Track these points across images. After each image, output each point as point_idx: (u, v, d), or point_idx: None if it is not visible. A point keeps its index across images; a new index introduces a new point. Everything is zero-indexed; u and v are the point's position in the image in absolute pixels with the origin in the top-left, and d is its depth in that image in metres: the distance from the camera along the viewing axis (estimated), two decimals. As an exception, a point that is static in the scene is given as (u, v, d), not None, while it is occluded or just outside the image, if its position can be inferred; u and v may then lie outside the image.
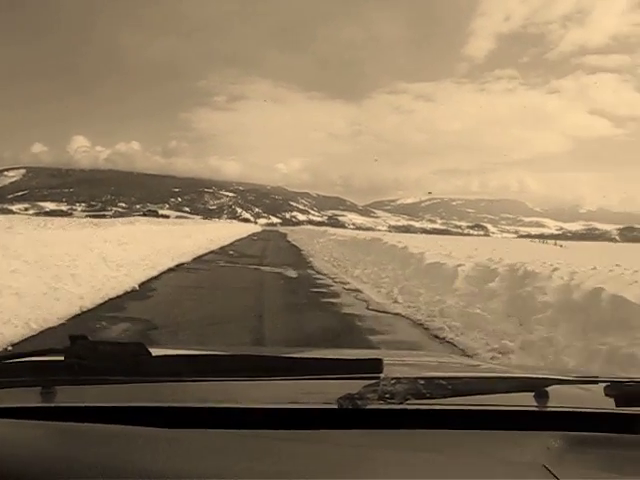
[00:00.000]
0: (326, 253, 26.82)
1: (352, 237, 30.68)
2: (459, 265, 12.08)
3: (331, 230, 54.16)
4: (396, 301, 11.61)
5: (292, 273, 18.13)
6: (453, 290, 10.90)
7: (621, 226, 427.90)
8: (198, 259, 21.59)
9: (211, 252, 26.58)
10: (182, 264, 18.40)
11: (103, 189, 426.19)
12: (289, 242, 45.98)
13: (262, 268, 19.47)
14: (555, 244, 48.81)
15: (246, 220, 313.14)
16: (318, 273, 18.39)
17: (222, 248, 31.16)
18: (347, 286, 14.69)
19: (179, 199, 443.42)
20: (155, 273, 14.87)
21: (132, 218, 48.01)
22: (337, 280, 16.11)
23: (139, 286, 12.32)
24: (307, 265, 21.68)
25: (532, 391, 1.45)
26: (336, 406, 1.26)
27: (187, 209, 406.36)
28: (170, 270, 16.38)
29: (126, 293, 11.44)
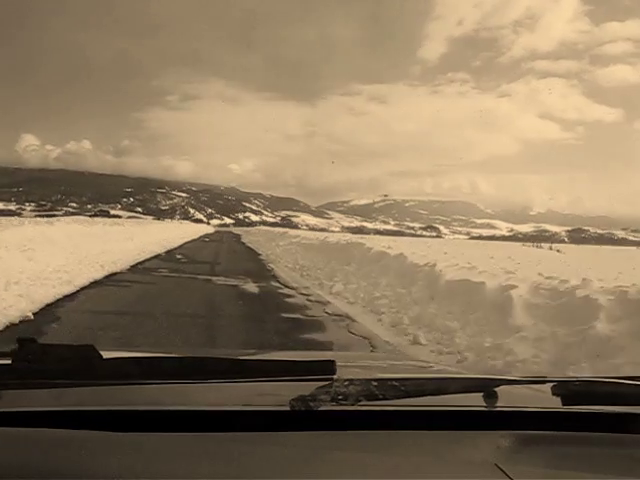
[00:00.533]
0: (290, 259, 23.03)
1: (321, 240, 26.65)
2: (508, 286, 8.24)
3: (292, 232, 47.37)
4: (417, 342, 7.66)
5: (252, 287, 14.40)
6: (515, 329, 7.06)
7: (570, 228, 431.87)
8: (137, 267, 17.76)
9: (156, 257, 22.97)
10: (113, 275, 14.58)
11: (53, 188, 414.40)
12: (244, 244, 42.03)
13: (214, 279, 15.74)
14: (551, 248, 45.20)
15: (199, 221, 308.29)
16: (285, 286, 14.71)
17: (169, 252, 27.32)
18: (328, 308, 10.94)
19: (131, 199, 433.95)
20: (70, 290, 10.97)
21: (54, 218, 43.87)
22: (312, 299, 12.32)
23: (35, 314, 8.46)
24: (270, 275, 17.86)
25: (482, 391, 1.43)
26: (289, 408, 1.24)
27: (139, 209, 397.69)
28: (94, 284, 12.50)
29: (6, 328, 7.52)
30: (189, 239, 44.16)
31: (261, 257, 26.81)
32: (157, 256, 23.40)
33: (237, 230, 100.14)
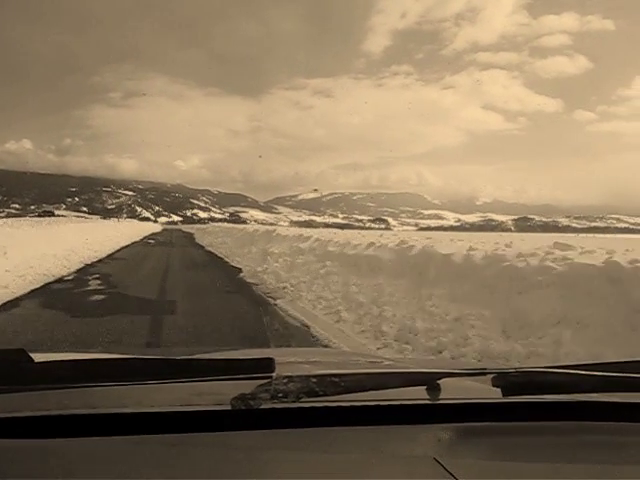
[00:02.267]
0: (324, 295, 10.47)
1: (346, 244, 13.74)
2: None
3: (283, 231, 24.49)
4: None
5: None
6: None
7: (516, 217, 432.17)
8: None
9: (59, 281, 13.41)
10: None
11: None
12: (204, 249, 30.29)
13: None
14: None
15: (146, 219, 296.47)
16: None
17: (85, 270, 16.04)
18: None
19: (76, 199, 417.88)
20: None
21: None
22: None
23: None
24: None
25: (423, 385, 1.41)
26: (229, 407, 1.22)
27: (85, 209, 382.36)
28: None
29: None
30: (127, 242, 32.32)
31: (251, 283, 13.56)
32: (60, 280, 13.16)
33: (187, 228, 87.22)
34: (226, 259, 21.42)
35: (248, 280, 14.07)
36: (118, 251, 25.37)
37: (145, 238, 43.28)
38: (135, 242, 35.30)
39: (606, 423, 1.35)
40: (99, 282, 13.50)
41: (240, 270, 16.32)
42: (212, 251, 27.10)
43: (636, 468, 1.15)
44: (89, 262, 18.42)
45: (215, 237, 37.46)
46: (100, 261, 19.62)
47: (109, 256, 22.10)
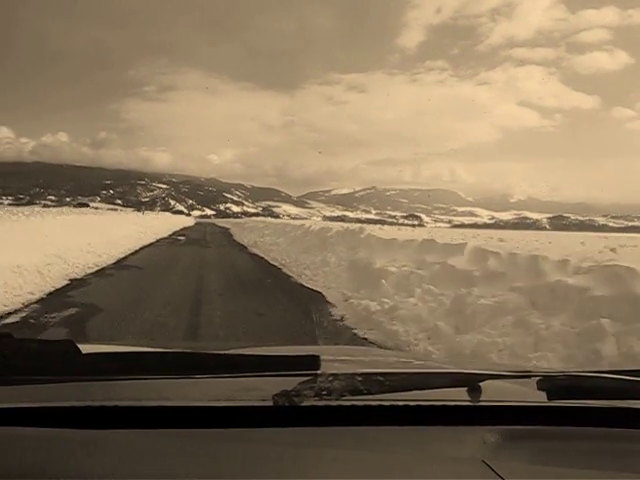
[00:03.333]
0: None
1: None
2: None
3: (375, 229, 17.62)
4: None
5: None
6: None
7: (551, 215, 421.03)
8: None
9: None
10: None
11: (30, 182, 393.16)
12: (246, 250, 23.04)
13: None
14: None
15: (180, 212, 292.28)
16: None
17: (59, 298, 8.76)
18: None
19: (111, 191, 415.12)
20: None
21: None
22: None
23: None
24: None
25: (466, 386, 1.37)
26: (272, 403, 1.20)
27: (119, 201, 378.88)
28: None
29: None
30: (150, 240, 25.39)
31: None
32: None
33: (222, 222, 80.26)
34: (289, 273, 14.01)
35: (364, 332, 6.91)
36: (135, 253, 18.35)
37: (174, 234, 35.92)
38: (161, 239, 28.47)
39: None
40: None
41: (324, 299, 9.24)
42: (260, 255, 19.71)
43: None
44: (77, 276, 11.40)
45: (259, 234, 29.75)
46: (99, 272, 12.57)
47: (118, 262, 15.07)
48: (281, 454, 1.07)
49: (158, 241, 26.75)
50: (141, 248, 20.73)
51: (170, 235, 33.92)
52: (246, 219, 71.18)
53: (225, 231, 45.97)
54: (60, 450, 1.00)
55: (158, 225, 36.69)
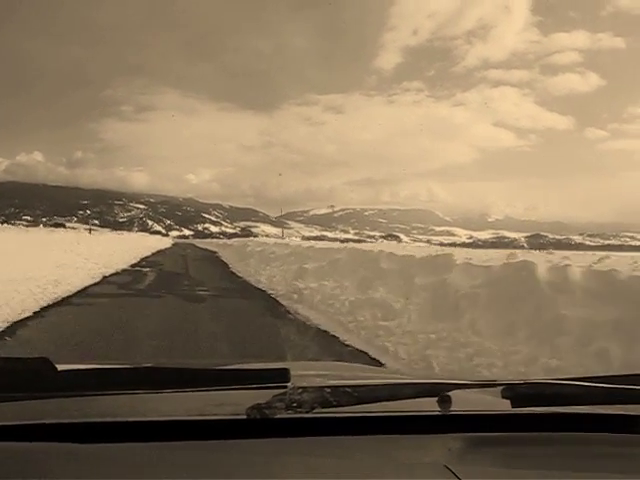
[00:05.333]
0: None
1: None
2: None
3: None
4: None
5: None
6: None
7: (528, 234, 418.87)
8: None
9: None
10: None
11: (5, 202, 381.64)
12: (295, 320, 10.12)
13: None
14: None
15: (157, 232, 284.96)
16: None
17: None
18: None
19: (87, 211, 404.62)
20: None
21: None
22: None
23: None
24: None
25: (434, 396, 1.37)
26: (245, 416, 1.21)
27: (96, 222, 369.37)
28: None
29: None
30: (110, 271, 17.40)
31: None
32: None
33: (202, 243, 72.10)
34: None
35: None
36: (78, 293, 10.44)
37: (143, 260, 26.87)
38: (121, 271, 19.58)
39: (609, 434, 1.34)
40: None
41: None
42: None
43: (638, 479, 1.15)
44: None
45: (269, 265, 18.86)
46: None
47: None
48: (254, 464, 1.09)
49: (117, 274, 18.40)
50: (79, 291, 12.76)
51: (139, 261, 25.22)
52: (232, 240, 63.16)
53: (213, 258, 34.18)
54: (37, 465, 1.01)
55: (121, 251, 26.94)
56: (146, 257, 29.75)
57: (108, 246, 27.65)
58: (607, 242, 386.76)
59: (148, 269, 21.82)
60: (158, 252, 38.00)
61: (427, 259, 10.76)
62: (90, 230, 60.73)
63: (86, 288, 13.83)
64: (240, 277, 19.12)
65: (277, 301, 12.78)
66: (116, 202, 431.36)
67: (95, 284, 14.93)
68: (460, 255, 10.59)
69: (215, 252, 39.25)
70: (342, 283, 12.27)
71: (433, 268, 9.90)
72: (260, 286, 15.67)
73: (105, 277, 16.77)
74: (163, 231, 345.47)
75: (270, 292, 14.21)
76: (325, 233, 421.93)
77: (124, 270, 20.21)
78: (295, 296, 12.63)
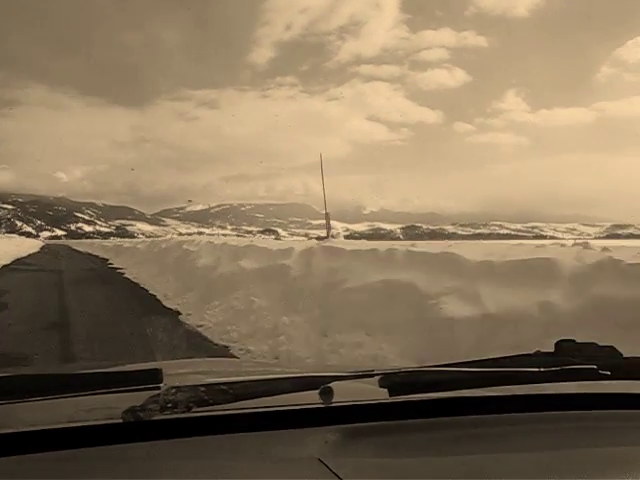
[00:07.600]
0: None
1: None
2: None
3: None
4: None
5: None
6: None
7: (403, 225, 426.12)
8: None
9: None
10: None
11: None
12: None
13: None
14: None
15: (27, 234, 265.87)
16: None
17: None
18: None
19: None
20: None
21: None
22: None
23: None
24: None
25: (312, 389, 1.35)
26: (120, 420, 1.16)
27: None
28: None
29: None
30: None
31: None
32: None
33: (78, 245, 62.81)
34: None
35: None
36: None
37: None
38: None
39: (486, 416, 1.37)
40: None
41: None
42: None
43: (513, 456, 1.18)
44: None
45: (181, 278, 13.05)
46: None
47: None
48: (133, 470, 1.06)
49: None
50: None
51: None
52: (109, 240, 53.93)
53: (93, 268, 23.57)
54: None
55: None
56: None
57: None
58: (478, 231, 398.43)
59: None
60: (16, 261, 28.38)
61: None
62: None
63: None
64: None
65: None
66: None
67: None
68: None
69: (107, 260, 29.22)
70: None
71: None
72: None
73: None
74: (34, 232, 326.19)
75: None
76: (202, 229, 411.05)
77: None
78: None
